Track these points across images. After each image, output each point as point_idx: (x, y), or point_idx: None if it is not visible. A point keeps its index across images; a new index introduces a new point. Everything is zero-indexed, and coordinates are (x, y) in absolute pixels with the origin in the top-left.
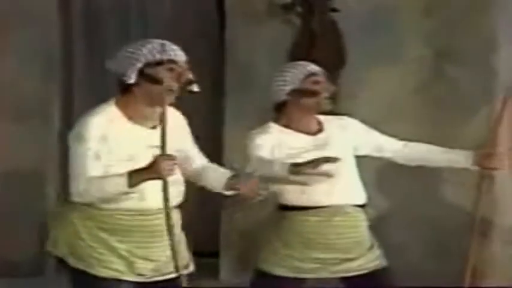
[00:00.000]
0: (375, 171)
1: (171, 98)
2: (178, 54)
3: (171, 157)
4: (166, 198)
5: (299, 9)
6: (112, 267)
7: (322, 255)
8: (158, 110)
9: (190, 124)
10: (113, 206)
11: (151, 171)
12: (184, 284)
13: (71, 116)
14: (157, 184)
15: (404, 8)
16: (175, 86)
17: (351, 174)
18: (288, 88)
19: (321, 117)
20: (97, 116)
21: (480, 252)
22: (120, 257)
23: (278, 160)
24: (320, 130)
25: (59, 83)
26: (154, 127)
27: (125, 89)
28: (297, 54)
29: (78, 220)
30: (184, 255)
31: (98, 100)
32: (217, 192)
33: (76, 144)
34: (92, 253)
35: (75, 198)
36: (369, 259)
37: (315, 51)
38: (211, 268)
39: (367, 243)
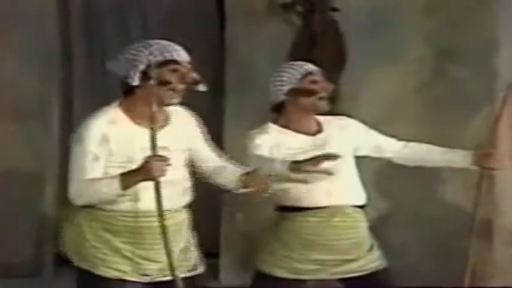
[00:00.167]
0: (374, 172)
1: (176, 99)
2: (182, 55)
3: (162, 158)
4: (158, 199)
5: (299, 8)
6: (116, 268)
7: (321, 257)
8: (162, 111)
9: None
10: (116, 207)
11: (142, 172)
12: (180, 286)
13: (71, 116)
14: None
15: (405, 7)
16: (179, 86)
17: (350, 175)
18: (286, 88)
19: (320, 118)
20: (98, 118)
21: (480, 252)
22: (124, 257)
23: (278, 158)
24: (319, 130)
25: (59, 83)
26: (159, 128)
27: (128, 91)
28: (297, 53)
29: (84, 221)
30: (193, 255)
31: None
32: (217, 192)
33: (76, 145)
34: (96, 253)
35: (73, 201)
36: (369, 260)
37: (315, 50)
38: (211, 269)
39: (367, 244)
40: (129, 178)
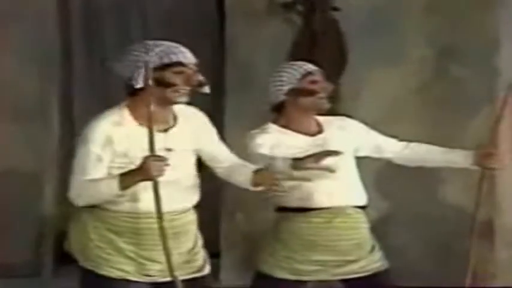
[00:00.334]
0: (375, 172)
1: (182, 98)
2: (187, 57)
3: (160, 158)
4: (157, 199)
5: (300, 8)
6: (119, 268)
7: (322, 257)
8: (169, 112)
9: None
10: (119, 208)
11: (140, 172)
12: (180, 287)
13: (70, 116)
14: (163, 187)
15: (405, 7)
16: (184, 88)
17: (351, 176)
18: (286, 88)
19: (321, 118)
20: (103, 120)
21: (481, 253)
22: (127, 258)
23: (279, 156)
24: (320, 131)
25: (58, 83)
26: (166, 130)
27: (133, 92)
28: (298, 53)
29: (89, 221)
30: (201, 256)
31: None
32: (218, 193)
33: (80, 147)
34: (100, 253)
35: (73, 201)
36: (370, 261)
37: (315, 50)
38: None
39: (369, 245)
40: (128, 178)
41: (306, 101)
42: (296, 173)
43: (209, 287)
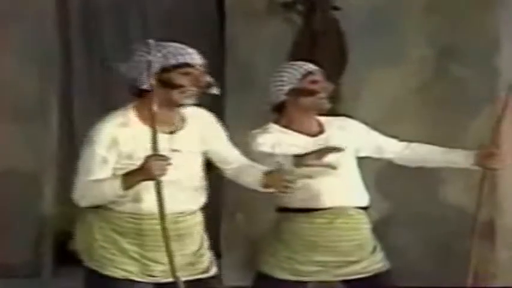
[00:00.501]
0: (375, 173)
1: (189, 99)
2: (195, 58)
3: (162, 157)
4: (159, 199)
5: (300, 7)
6: (123, 268)
7: (324, 258)
8: (176, 114)
9: None
10: (123, 208)
11: (142, 172)
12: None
13: (70, 116)
14: (167, 188)
15: (406, 7)
16: (192, 89)
17: (352, 176)
18: (286, 88)
19: (322, 119)
20: (109, 121)
21: (482, 253)
22: (131, 258)
23: (280, 154)
24: (321, 131)
25: (58, 83)
26: (172, 132)
27: (139, 94)
28: (298, 53)
29: (94, 221)
30: (206, 258)
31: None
32: (218, 193)
33: (85, 148)
34: (104, 253)
35: (77, 202)
36: (372, 262)
37: (316, 50)
38: None
39: (370, 246)
40: (130, 178)
41: (306, 101)
42: (297, 170)
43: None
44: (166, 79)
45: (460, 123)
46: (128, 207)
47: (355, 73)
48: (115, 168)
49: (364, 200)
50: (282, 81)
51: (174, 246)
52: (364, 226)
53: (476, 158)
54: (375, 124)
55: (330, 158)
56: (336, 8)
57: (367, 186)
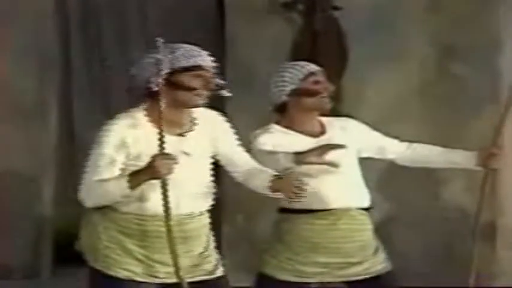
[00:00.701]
0: (377, 173)
1: (200, 102)
2: (206, 60)
3: (169, 156)
4: (165, 198)
5: (300, 7)
6: (128, 269)
7: (326, 259)
8: (186, 116)
9: None
10: (129, 209)
11: (148, 171)
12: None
13: (69, 116)
14: (174, 190)
15: (407, 6)
16: (203, 92)
17: (355, 177)
18: (288, 89)
19: (324, 119)
20: (119, 122)
21: (483, 253)
22: (136, 259)
23: (281, 153)
24: (323, 132)
25: (57, 84)
26: (182, 134)
27: (150, 95)
28: (298, 53)
29: (100, 221)
30: (213, 259)
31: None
32: (218, 193)
33: (94, 148)
34: (109, 254)
35: (82, 202)
36: (374, 263)
37: (316, 49)
38: None
39: (372, 247)
40: (137, 177)
41: (308, 101)
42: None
43: None
44: (177, 81)
45: (461, 123)
46: (133, 208)
47: (356, 73)
48: (122, 169)
49: (366, 200)
50: (283, 81)
51: (179, 247)
52: (366, 227)
53: (478, 158)
54: (377, 124)
55: (331, 157)
56: (336, 8)
57: (369, 187)
